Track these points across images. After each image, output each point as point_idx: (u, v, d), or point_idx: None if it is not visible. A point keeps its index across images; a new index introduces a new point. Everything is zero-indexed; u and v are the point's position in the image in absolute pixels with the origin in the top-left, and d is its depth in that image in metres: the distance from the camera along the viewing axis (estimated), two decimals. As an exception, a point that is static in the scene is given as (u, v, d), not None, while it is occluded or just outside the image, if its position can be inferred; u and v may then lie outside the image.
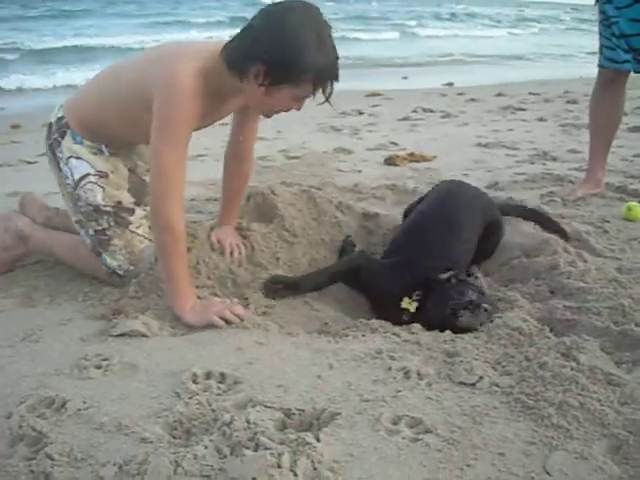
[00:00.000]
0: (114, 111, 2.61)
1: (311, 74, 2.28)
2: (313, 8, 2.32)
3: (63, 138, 2.70)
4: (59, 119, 2.73)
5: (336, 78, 2.34)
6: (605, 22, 3.72)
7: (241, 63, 2.32)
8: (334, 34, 2.33)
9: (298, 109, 2.44)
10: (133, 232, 2.72)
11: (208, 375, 2.00)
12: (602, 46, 3.80)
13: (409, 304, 2.55)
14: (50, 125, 2.76)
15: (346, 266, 2.83)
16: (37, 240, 2.93)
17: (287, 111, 2.47)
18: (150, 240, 2.71)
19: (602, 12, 3.73)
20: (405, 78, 13.13)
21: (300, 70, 2.27)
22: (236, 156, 2.92)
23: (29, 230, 2.93)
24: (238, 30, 2.38)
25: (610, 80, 3.85)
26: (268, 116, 2.55)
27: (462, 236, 2.81)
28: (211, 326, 2.32)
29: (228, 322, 2.33)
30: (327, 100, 2.36)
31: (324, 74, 2.31)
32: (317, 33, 2.27)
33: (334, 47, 2.33)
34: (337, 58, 2.33)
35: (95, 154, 2.70)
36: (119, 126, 2.64)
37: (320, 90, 2.34)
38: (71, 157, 2.68)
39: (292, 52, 2.24)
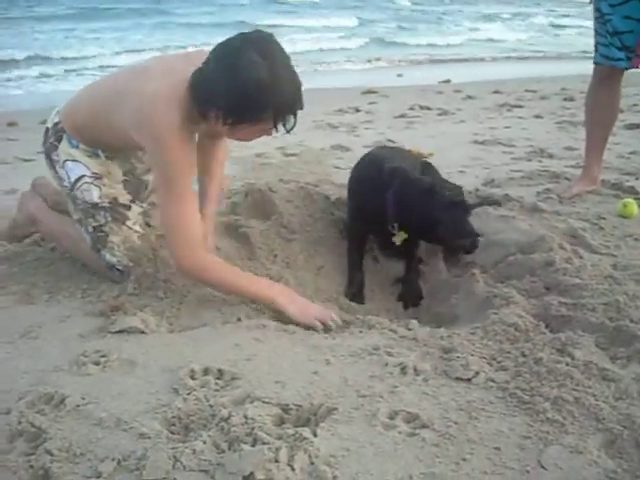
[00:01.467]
0: (107, 136, 2.63)
1: (269, 113, 2.29)
2: (267, 40, 2.30)
3: (60, 142, 2.71)
4: (55, 124, 2.74)
5: (299, 108, 2.35)
6: (600, 19, 3.73)
7: (200, 107, 2.34)
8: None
9: (269, 135, 2.45)
10: (130, 228, 2.74)
11: (206, 371, 2.02)
12: (597, 43, 3.81)
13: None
14: (47, 130, 2.78)
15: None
16: (45, 227, 3.03)
17: (259, 137, 2.49)
18: (148, 237, 2.75)
19: (597, 9, 3.74)
20: (400, 75, 13.14)
21: (256, 112, 2.28)
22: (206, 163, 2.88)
23: (39, 215, 3.03)
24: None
25: (606, 77, 3.86)
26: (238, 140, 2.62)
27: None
28: (208, 322, 2.35)
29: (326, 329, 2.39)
30: (288, 132, 2.37)
31: (282, 110, 2.31)
32: (271, 69, 2.23)
33: (294, 77, 2.32)
34: (299, 87, 2.33)
35: (90, 157, 2.71)
36: (111, 140, 2.65)
37: (281, 125, 2.34)
38: (67, 160, 2.70)
39: (245, 97, 2.24)
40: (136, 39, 17.31)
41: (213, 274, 2.48)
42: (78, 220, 2.76)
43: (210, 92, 2.29)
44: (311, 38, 18.25)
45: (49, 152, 2.75)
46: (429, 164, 3.45)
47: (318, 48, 16.68)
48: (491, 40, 20.70)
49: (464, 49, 18.15)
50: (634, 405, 1.81)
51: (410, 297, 2.93)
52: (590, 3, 3.81)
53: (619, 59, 3.68)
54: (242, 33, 2.32)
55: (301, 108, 2.35)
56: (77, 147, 2.70)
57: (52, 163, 2.76)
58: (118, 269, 2.72)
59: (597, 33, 3.80)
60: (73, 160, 2.69)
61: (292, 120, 2.35)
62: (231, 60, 2.25)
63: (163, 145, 2.34)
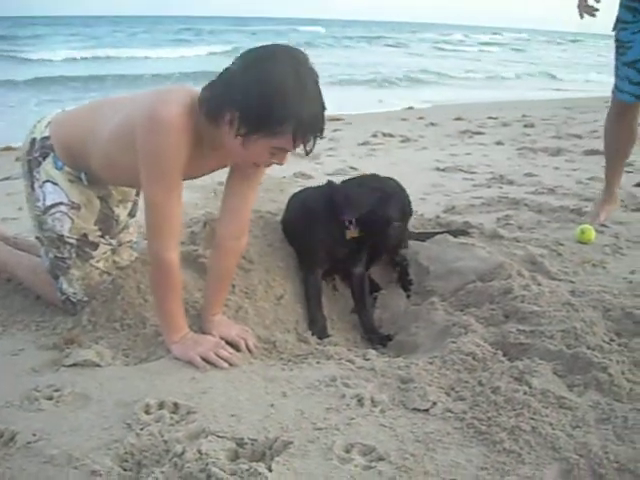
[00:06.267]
0: (96, 154, 2.52)
1: (290, 125, 2.07)
2: (298, 54, 2.13)
3: (44, 160, 2.61)
4: (44, 138, 2.63)
5: (320, 132, 2.16)
6: (620, 50, 3.78)
7: (215, 107, 2.17)
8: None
9: (280, 163, 2.27)
10: (93, 265, 2.69)
11: (161, 405, 1.98)
12: (615, 75, 3.88)
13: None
14: (33, 141, 2.66)
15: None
16: (0, 261, 2.93)
17: (268, 166, 2.35)
18: (109, 274, 2.71)
19: (617, 40, 3.81)
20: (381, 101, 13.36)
21: (277, 119, 2.07)
22: (232, 231, 2.56)
23: None
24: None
25: (620, 108, 3.92)
26: (247, 171, 2.45)
27: None
28: (165, 355, 2.31)
29: (210, 363, 2.26)
30: (307, 154, 2.22)
31: (305, 126, 2.10)
32: (299, 81, 2.06)
33: (320, 97, 2.14)
34: (323, 108, 2.15)
35: (72, 182, 2.62)
36: (98, 168, 2.56)
37: (300, 143, 2.16)
38: (48, 181, 2.61)
39: (268, 98, 2.05)
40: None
41: (156, 274, 2.35)
42: (40, 239, 2.70)
43: (228, 91, 2.11)
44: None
45: (31, 166, 2.65)
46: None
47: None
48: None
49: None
50: (590, 433, 1.82)
51: (377, 341, 2.89)
52: (613, 30, 3.85)
53: (628, 93, 3.74)
54: (274, 44, 2.19)
55: (322, 132, 2.18)
56: (61, 169, 2.61)
57: (31, 178, 2.65)
58: (71, 301, 2.67)
59: (616, 66, 3.86)
60: (54, 183, 2.60)
61: (312, 141, 2.17)
62: (259, 64, 2.09)
63: (156, 120, 2.18)
